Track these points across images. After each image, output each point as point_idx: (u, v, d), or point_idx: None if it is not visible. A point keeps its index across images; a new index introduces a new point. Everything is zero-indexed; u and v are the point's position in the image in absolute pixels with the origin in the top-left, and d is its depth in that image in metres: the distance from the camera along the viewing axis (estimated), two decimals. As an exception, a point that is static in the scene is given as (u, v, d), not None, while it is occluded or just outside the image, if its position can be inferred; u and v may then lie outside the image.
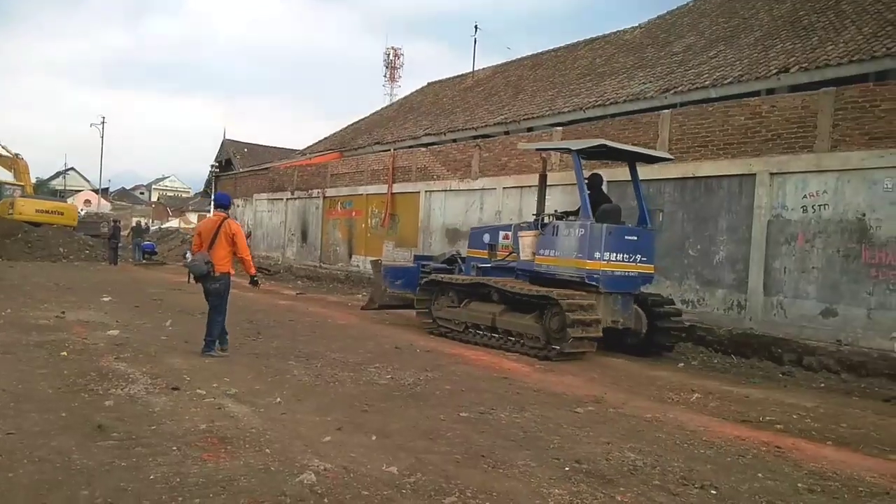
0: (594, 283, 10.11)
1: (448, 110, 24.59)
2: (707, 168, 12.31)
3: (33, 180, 39.93)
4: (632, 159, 11.48)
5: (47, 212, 31.11)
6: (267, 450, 5.04)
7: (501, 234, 11.98)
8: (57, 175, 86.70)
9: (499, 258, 11.78)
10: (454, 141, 20.19)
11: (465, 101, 24.65)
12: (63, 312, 11.74)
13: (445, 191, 18.77)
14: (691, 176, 12.55)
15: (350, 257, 22.79)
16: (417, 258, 14.61)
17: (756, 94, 12.74)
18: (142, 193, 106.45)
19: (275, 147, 40.87)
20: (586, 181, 10.78)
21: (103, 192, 77.85)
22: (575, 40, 24.87)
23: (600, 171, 13.42)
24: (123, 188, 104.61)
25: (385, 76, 72.70)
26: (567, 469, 4.99)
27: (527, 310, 10.49)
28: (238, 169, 35.97)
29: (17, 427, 5.23)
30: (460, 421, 6.19)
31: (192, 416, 5.82)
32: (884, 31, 12.29)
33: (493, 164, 17.24)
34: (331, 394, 7.03)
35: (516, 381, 8.16)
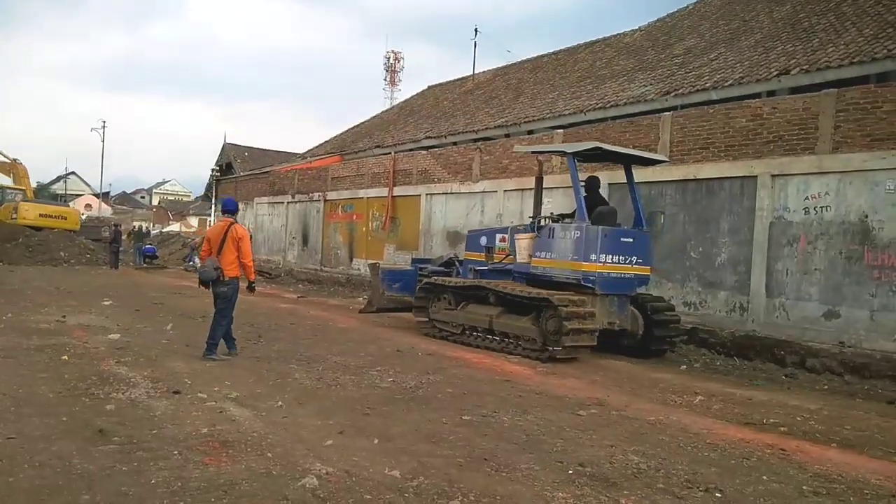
0: (590, 284, 10.14)
1: (448, 113, 24.60)
2: (708, 170, 12.30)
3: (34, 184, 39.97)
4: (627, 162, 11.53)
5: (51, 216, 31.24)
6: (269, 454, 5.02)
7: (498, 236, 12.02)
8: (58, 179, 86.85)
9: (496, 261, 11.81)
10: (455, 144, 20.18)
11: (465, 104, 24.65)
12: (64, 316, 11.72)
13: (446, 194, 18.76)
14: (692, 178, 12.53)
15: (351, 261, 22.77)
16: (415, 261, 14.63)
17: (757, 96, 12.72)
18: (143, 197, 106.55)
19: (275, 151, 40.85)
20: (583, 184, 10.85)
21: (104, 197, 77.94)
22: (575, 43, 24.91)
23: (603, 174, 13.46)
24: (124, 192, 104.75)
25: (385, 80, 72.90)
26: (570, 472, 4.96)
27: (523, 312, 10.52)
28: (239, 172, 35.96)
29: (17, 431, 5.21)
30: (463, 424, 6.17)
31: (194, 420, 5.80)
32: (884, 33, 12.28)
33: (493, 167, 17.23)
34: (332, 397, 7.01)
35: (518, 384, 8.14)
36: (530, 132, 17.88)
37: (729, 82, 13.55)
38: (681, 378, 9.35)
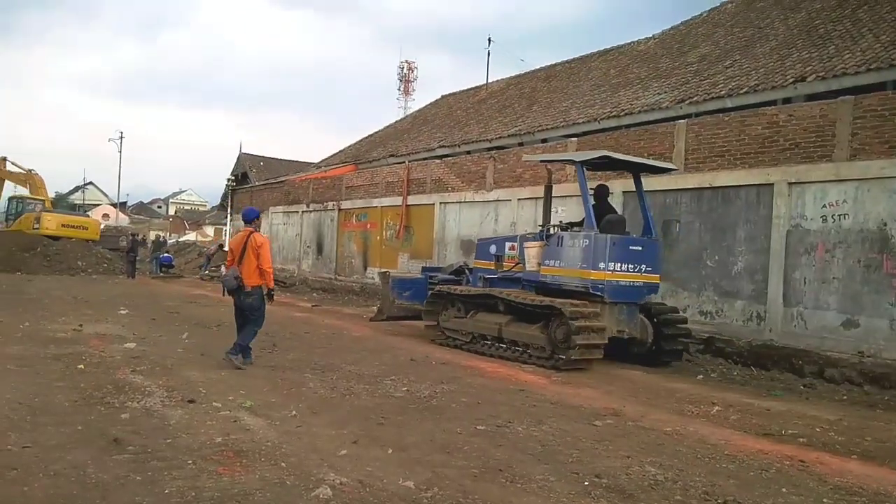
0: (599, 293, 10.13)
1: (462, 122, 24.62)
2: (724, 178, 12.22)
3: (52, 195, 40.37)
4: (636, 170, 11.54)
5: (73, 226, 31.75)
6: (283, 463, 5.00)
7: (508, 244, 12.04)
8: (76, 189, 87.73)
9: (505, 269, 11.84)
10: (468, 153, 20.19)
11: (479, 113, 24.67)
12: (81, 325, 11.80)
13: (460, 202, 18.76)
14: (708, 186, 12.46)
15: (365, 269, 22.80)
16: (425, 270, 14.67)
17: (772, 103, 12.63)
18: (159, 207, 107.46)
19: (290, 160, 41.08)
20: (592, 192, 10.87)
21: (121, 206, 78.63)
22: (588, 52, 24.87)
23: (617, 183, 13.42)
24: (141, 202, 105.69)
25: (399, 89, 73.31)
26: (586, 483, 4.91)
27: (533, 320, 10.53)
28: (254, 182, 36.19)
29: (33, 441, 5.23)
30: (477, 434, 6.13)
31: (208, 430, 5.79)
32: (902, 39, 12.16)
33: (507, 176, 17.22)
34: (346, 406, 6.99)
35: (533, 394, 8.09)
36: (544, 141, 17.85)
37: (744, 90, 13.46)
38: (697, 388, 9.26)
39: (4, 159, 33.98)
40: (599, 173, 13.38)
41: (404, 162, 22.30)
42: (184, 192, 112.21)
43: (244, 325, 9.03)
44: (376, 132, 32.16)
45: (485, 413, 6.92)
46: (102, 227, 39.60)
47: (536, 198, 15.75)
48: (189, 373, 8.25)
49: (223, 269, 10.91)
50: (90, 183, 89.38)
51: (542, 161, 13.26)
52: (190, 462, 4.91)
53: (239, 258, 8.84)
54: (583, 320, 9.68)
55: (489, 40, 40.15)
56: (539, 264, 10.89)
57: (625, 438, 6.26)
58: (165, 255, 32.62)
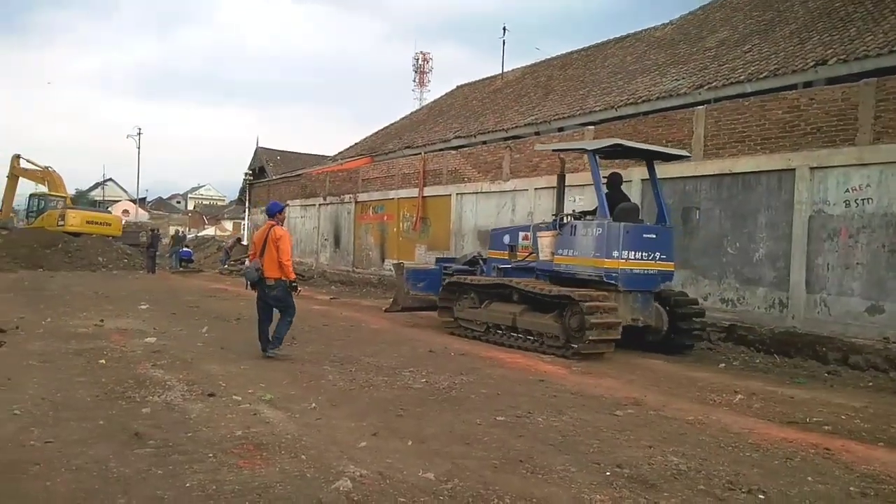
0: (613, 281, 10.09)
1: (478, 112, 24.52)
2: (744, 164, 12.05)
3: (72, 192, 40.80)
4: (649, 157, 11.47)
5: (97, 223, 32.27)
6: (302, 456, 5.00)
7: (521, 234, 12.03)
8: (96, 186, 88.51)
9: (519, 258, 11.84)
10: (484, 143, 20.10)
11: (494, 103, 24.55)
12: (102, 321, 11.90)
13: (477, 193, 18.69)
14: (728, 172, 12.30)
15: (383, 262, 22.81)
16: (439, 260, 14.68)
17: (793, 87, 12.43)
18: (178, 202, 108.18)
19: (307, 154, 41.14)
20: (605, 180, 10.81)
21: (141, 202, 79.31)
22: (605, 39, 24.65)
23: (635, 171, 13.30)
24: (160, 198, 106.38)
25: (414, 81, 73.29)
26: (608, 474, 4.86)
27: (546, 309, 10.50)
28: (271, 176, 36.31)
29: (55, 436, 5.27)
30: (497, 425, 6.10)
31: (228, 423, 5.81)
32: (926, 19, 11.92)
33: (524, 165, 17.12)
34: (365, 398, 6.99)
35: (553, 384, 8.04)
36: (561, 129, 17.72)
37: (764, 74, 13.27)
38: (719, 376, 9.16)
39: (18, 157, 34.27)
40: (617, 161, 13.25)
41: (420, 153, 22.24)
42: (202, 186, 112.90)
43: (264, 319, 9.17)
44: (392, 124, 32.13)
45: (504, 404, 6.89)
46: (123, 223, 39.99)
47: (554, 187, 15.51)
48: (209, 366, 8.29)
49: (246, 262, 11.23)
50: (110, 179, 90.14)
51: (554, 150, 13.20)
52: (210, 455, 4.93)
53: (261, 251, 9.07)
54: (596, 309, 9.64)
55: (504, 29, 39.87)
56: (552, 253, 10.89)
57: (646, 428, 6.19)
58: (185, 249, 32.86)
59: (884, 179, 10.24)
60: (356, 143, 32.75)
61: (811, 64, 12.50)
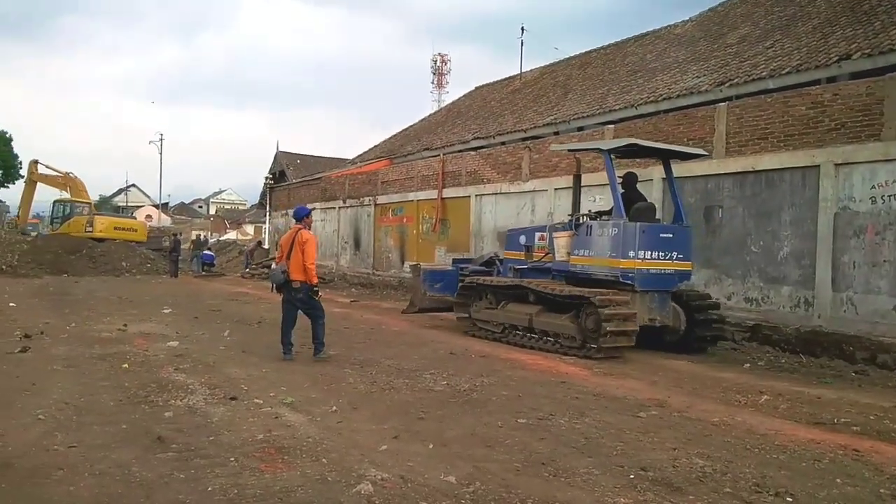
0: (629, 281, 10.03)
1: (496, 113, 24.45)
2: (767, 161, 11.89)
3: (95, 198, 41.28)
4: (665, 156, 11.38)
5: (124, 228, 32.85)
6: (324, 459, 4.99)
7: (537, 235, 11.97)
8: (119, 192, 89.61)
9: (535, 259, 11.78)
10: (503, 144, 20.03)
11: (513, 104, 24.47)
12: (125, 325, 12.00)
13: (496, 194, 18.64)
14: (751, 170, 12.14)
15: (402, 264, 22.81)
16: (456, 261, 14.65)
17: (816, 83, 12.25)
18: (200, 207, 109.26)
19: (326, 157, 41.32)
20: (620, 180, 10.76)
21: (163, 207, 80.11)
22: (624, 37, 24.47)
23: (657, 170, 13.17)
24: (182, 203, 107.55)
25: (433, 82, 73.32)
26: (632, 476, 4.80)
27: (563, 310, 10.47)
28: (291, 180, 36.51)
29: (79, 440, 5.30)
30: (519, 427, 6.05)
31: (250, 426, 5.82)
32: (953, 11, 11.69)
33: (543, 166, 17.04)
34: (386, 401, 6.97)
35: (575, 386, 7.97)
36: (580, 129, 17.62)
37: (786, 70, 13.09)
38: (744, 377, 9.04)
39: (36, 162, 34.46)
40: (639, 161, 13.14)
41: (439, 155, 22.22)
42: (224, 191, 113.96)
43: (289, 321, 9.34)
44: (411, 126, 32.15)
45: (526, 406, 6.84)
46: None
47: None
48: (231, 370, 8.32)
49: (272, 264, 11.45)
50: (133, 185, 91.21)
51: (569, 150, 13.15)
52: (232, 459, 4.93)
53: (287, 253, 9.23)
54: (613, 309, 9.60)
55: (522, 29, 39.76)
56: (569, 254, 10.85)
57: (670, 430, 6.11)
58: (207, 252, 33.14)
59: (911, 175, 10.04)
60: (375, 146, 32.82)
61: (834, 59, 12.32)
